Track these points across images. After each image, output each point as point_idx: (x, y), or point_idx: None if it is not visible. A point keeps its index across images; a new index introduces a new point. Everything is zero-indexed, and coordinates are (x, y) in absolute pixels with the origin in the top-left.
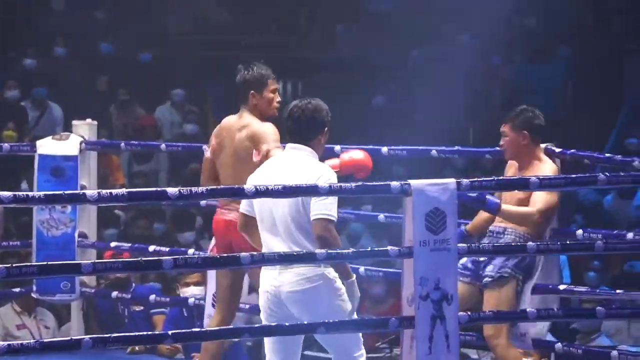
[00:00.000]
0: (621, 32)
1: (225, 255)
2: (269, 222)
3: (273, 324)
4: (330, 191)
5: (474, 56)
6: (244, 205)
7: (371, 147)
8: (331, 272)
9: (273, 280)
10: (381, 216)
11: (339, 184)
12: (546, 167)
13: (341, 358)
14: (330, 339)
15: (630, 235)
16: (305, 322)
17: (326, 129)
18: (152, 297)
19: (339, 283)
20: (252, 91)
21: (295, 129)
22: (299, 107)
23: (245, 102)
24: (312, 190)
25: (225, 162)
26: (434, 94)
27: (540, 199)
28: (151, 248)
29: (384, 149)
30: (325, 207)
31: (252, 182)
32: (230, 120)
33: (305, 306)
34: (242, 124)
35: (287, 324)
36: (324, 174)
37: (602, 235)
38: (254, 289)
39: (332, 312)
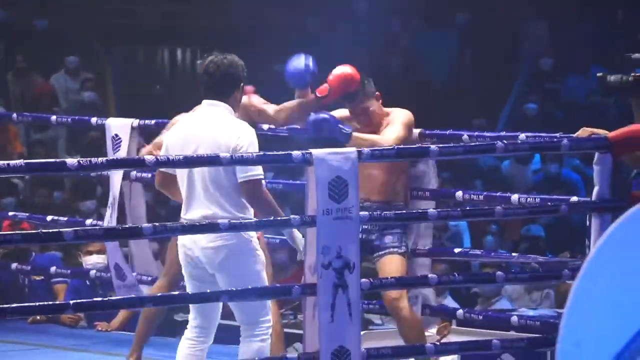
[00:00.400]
0: None
1: (127, 226)
2: (187, 182)
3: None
4: (232, 161)
5: (373, 23)
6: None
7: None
8: (248, 232)
9: (188, 238)
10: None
11: (240, 154)
12: (401, 112)
13: (246, 321)
14: (237, 303)
15: (515, 197)
16: (211, 288)
17: (242, 84)
18: (53, 268)
19: (255, 243)
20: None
21: (211, 85)
22: (214, 63)
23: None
24: (215, 160)
25: None
26: (332, 62)
27: (391, 132)
28: (49, 218)
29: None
30: (250, 168)
31: (169, 139)
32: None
33: (219, 264)
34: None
35: (190, 291)
36: (243, 132)
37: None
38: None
39: (245, 271)
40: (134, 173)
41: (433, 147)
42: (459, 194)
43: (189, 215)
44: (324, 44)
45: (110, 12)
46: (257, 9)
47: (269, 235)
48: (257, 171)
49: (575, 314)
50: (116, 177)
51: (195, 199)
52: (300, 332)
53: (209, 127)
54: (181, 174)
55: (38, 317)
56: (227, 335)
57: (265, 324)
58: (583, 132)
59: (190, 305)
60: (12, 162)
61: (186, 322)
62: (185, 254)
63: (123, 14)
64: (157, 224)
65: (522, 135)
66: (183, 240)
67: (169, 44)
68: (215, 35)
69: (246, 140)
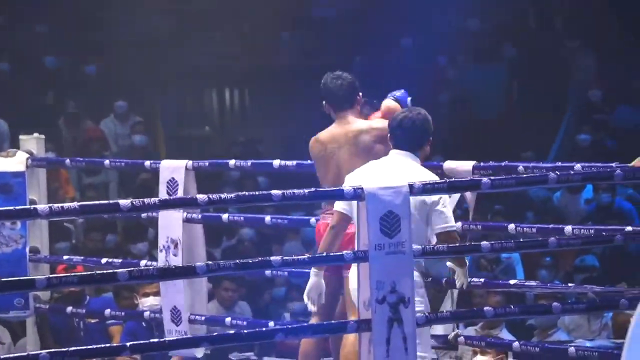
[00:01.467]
0: (563, 29)
1: (180, 265)
2: None
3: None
4: (284, 198)
5: (419, 59)
6: (341, 204)
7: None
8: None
9: None
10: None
11: (292, 191)
12: None
13: None
14: None
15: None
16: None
17: (430, 138)
18: (108, 311)
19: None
20: (360, 93)
21: (405, 138)
22: (410, 118)
23: (352, 104)
24: (265, 198)
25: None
26: (379, 99)
27: None
28: (104, 260)
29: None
30: (447, 219)
31: (353, 180)
32: (338, 128)
33: None
34: (362, 126)
35: (245, 331)
36: (432, 178)
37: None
38: (212, 296)
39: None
40: (185, 214)
41: (485, 179)
42: (512, 226)
43: None
44: (371, 82)
45: (158, 56)
46: (305, 49)
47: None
48: (453, 221)
49: (636, 344)
50: (174, 219)
51: None
52: None
53: (404, 175)
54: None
55: None
56: None
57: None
58: (638, 161)
59: None
60: (66, 205)
61: None
62: None
63: (171, 57)
64: (210, 262)
65: (578, 166)
66: None
67: (217, 86)
68: (263, 76)
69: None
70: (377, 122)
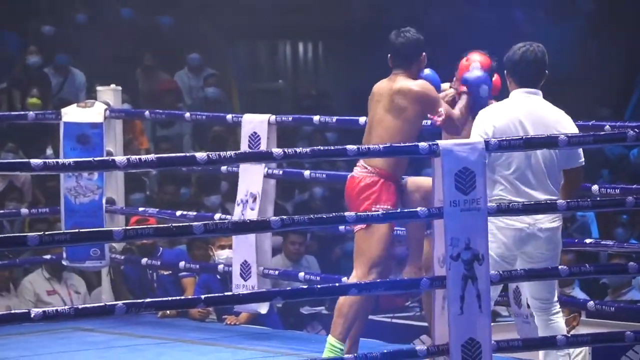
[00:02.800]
0: None
1: (255, 219)
2: (521, 168)
3: (501, 264)
4: (359, 152)
5: (496, 13)
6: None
7: None
8: None
9: (527, 218)
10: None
11: (367, 146)
12: None
13: (546, 298)
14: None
15: None
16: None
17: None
18: (182, 263)
19: None
20: (424, 52)
21: (530, 73)
22: (533, 51)
23: (410, 63)
24: (340, 153)
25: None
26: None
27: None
28: (178, 213)
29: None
30: (582, 154)
31: (493, 122)
32: (384, 83)
33: (551, 240)
34: (402, 86)
35: (318, 286)
36: (567, 117)
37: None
38: (278, 250)
39: (557, 251)
40: (266, 169)
41: (562, 136)
42: (595, 187)
43: (514, 194)
44: (445, 38)
45: (231, 8)
46: (379, 3)
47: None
48: (583, 158)
49: None
50: (256, 174)
51: (529, 187)
52: (425, 324)
53: (544, 112)
54: (507, 157)
55: (168, 312)
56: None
57: (557, 302)
58: None
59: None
60: (143, 157)
61: (312, 315)
62: (513, 237)
63: (245, 10)
64: (284, 217)
65: None
66: (515, 224)
67: (291, 39)
68: (337, 30)
69: (575, 127)
70: (418, 84)
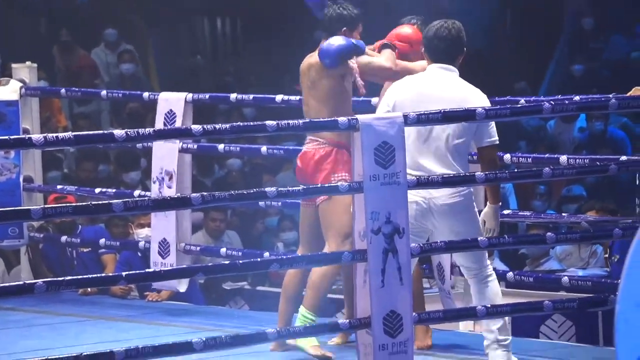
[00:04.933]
0: None
1: (175, 196)
2: (419, 139)
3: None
4: (278, 128)
5: None
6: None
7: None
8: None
9: (422, 192)
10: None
11: (286, 121)
12: None
13: (475, 267)
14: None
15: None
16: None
17: (465, 49)
18: (102, 241)
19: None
20: (344, 28)
21: (443, 48)
22: (447, 28)
23: (327, 35)
24: (260, 129)
25: (306, 95)
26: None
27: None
28: (97, 190)
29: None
30: (494, 133)
31: (398, 96)
32: (306, 57)
33: (454, 216)
34: (312, 60)
35: (240, 261)
36: (480, 94)
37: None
38: (199, 227)
39: (472, 223)
40: (181, 145)
41: (479, 109)
42: (507, 156)
43: (415, 170)
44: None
45: None
46: None
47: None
48: (496, 137)
49: (635, 274)
50: (170, 151)
51: (425, 157)
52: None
53: (450, 89)
54: (410, 132)
55: (89, 289)
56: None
57: (489, 266)
58: (635, 91)
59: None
60: (60, 135)
61: (235, 290)
62: (413, 210)
63: None
64: (205, 193)
65: (577, 98)
66: (414, 198)
67: (209, 15)
68: (256, 5)
69: (484, 101)
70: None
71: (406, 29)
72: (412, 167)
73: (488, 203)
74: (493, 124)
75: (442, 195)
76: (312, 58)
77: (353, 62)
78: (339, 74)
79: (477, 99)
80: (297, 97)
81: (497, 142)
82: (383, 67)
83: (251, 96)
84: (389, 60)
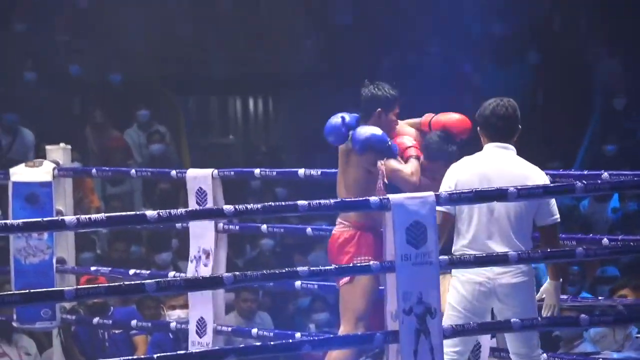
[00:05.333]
0: (588, 34)
1: (207, 276)
2: (482, 219)
3: (461, 317)
4: (309, 208)
5: (444, 64)
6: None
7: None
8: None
9: (487, 272)
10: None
11: (318, 201)
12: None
13: (526, 353)
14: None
15: (604, 240)
16: (501, 316)
17: (520, 127)
18: (134, 322)
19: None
20: (379, 109)
21: (501, 127)
22: (504, 106)
23: (365, 117)
24: (291, 208)
25: (340, 174)
26: (405, 104)
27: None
28: (132, 271)
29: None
30: (556, 211)
31: (459, 177)
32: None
33: (516, 297)
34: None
35: (272, 342)
36: (539, 172)
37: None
38: (231, 308)
39: (529, 307)
40: (221, 225)
41: (511, 188)
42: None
43: (478, 251)
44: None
45: (181, 62)
46: (327, 53)
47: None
48: (557, 215)
49: None
50: (207, 229)
51: (491, 239)
52: None
53: (511, 168)
54: (468, 208)
55: None
56: None
57: (541, 354)
58: None
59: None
60: (93, 216)
61: None
62: (475, 290)
63: (195, 63)
64: (237, 273)
65: (605, 174)
66: (475, 278)
67: (241, 93)
68: (287, 82)
69: (545, 179)
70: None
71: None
72: (475, 249)
73: (548, 279)
74: (554, 201)
75: (506, 275)
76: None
77: (382, 164)
78: (365, 166)
79: (537, 176)
80: (319, 171)
81: (559, 220)
82: (408, 180)
83: (275, 171)
84: (414, 175)
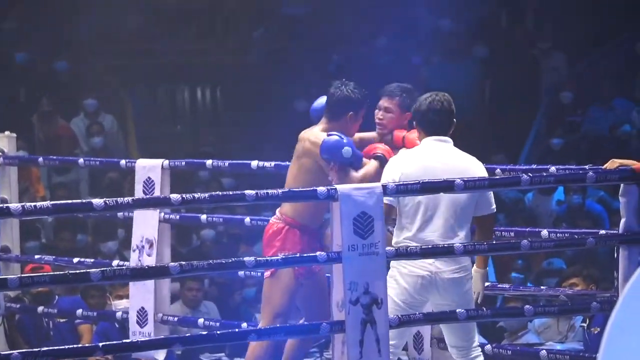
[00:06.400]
0: (534, 29)
1: (153, 266)
2: (423, 209)
3: (399, 310)
4: (257, 197)
5: (393, 58)
6: (388, 197)
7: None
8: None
9: (429, 266)
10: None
11: (265, 191)
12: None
13: (462, 345)
14: (454, 327)
15: (544, 232)
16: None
17: (455, 120)
18: (79, 311)
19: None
20: (350, 112)
21: (438, 121)
22: (439, 100)
23: (334, 118)
24: (238, 198)
25: (291, 166)
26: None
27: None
28: (75, 260)
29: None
30: (493, 201)
31: (404, 169)
32: (307, 130)
33: (455, 292)
34: (304, 135)
35: (218, 332)
36: (478, 164)
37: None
38: (176, 297)
39: (467, 299)
40: (162, 214)
41: (458, 180)
42: None
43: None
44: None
45: (129, 52)
46: (275, 46)
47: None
48: (494, 205)
49: (613, 349)
50: (151, 219)
51: (430, 230)
52: None
53: (452, 160)
54: (412, 201)
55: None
56: None
57: (477, 346)
58: (611, 163)
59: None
60: (39, 204)
61: None
62: (417, 284)
63: (142, 53)
64: (183, 262)
65: (553, 168)
66: (418, 272)
67: (189, 83)
68: (234, 73)
69: (485, 173)
70: (316, 137)
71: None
72: (418, 241)
73: (475, 267)
74: (491, 192)
75: (448, 270)
76: (307, 132)
77: (332, 167)
78: (321, 164)
79: (478, 168)
80: (273, 164)
81: (495, 211)
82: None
83: (227, 162)
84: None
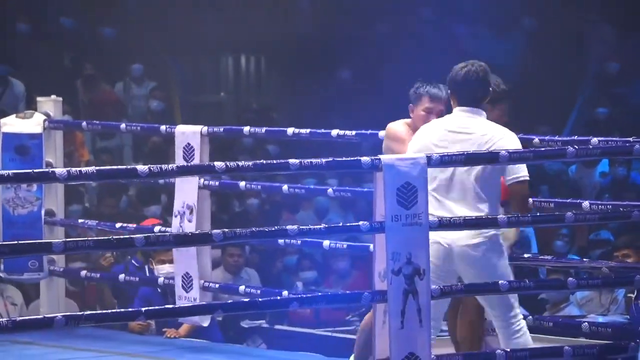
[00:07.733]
0: (582, 2)
1: (197, 232)
2: (444, 180)
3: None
4: (301, 167)
5: (438, 29)
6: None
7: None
8: (499, 232)
9: (447, 235)
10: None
11: (309, 160)
12: None
13: (501, 316)
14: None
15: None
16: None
17: (491, 90)
18: (122, 276)
19: (503, 243)
20: (410, 104)
21: (470, 92)
22: (474, 71)
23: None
24: (282, 167)
25: None
26: (399, 69)
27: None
28: (118, 225)
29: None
30: (523, 169)
31: (428, 139)
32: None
33: (476, 260)
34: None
35: (260, 299)
36: (509, 133)
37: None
38: (217, 264)
39: (497, 270)
40: (202, 181)
41: (503, 152)
42: (530, 200)
43: (439, 211)
44: (389, 52)
45: (175, 21)
46: (322, 17)
47: (336, 242)
48: (526, 172)
49: None
50: (191, 185)
51: (453, 201)
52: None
53: (478, 129)
54: (439, 172)
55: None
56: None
57: (520, 319)
58: None
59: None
60: (84, 169)
61: (253, 328)
62: (437, 251)
63: (188, 22)
64: (226, 230)
65: (595, 140)
66: (436, 239)
67: (233, 53)
68: (280, 44)
69: (519, 145)
70: (388, 127)
71: None
72: (436, 208)
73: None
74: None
75: (462, 237)
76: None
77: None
78: None
79: (506, 139)
80: (308, 131)
81: (527, 179)
82: None
83: (263, 129)
84: None
